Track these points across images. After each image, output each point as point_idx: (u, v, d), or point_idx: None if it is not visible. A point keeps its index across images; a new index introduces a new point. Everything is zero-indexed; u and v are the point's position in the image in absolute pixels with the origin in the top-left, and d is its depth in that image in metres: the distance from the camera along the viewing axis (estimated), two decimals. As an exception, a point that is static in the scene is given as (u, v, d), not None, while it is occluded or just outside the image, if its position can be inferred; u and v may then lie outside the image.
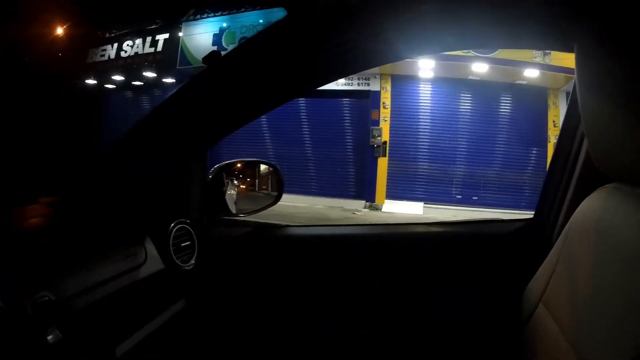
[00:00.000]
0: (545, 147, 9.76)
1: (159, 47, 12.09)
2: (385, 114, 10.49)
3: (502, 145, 10.10)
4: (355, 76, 10.54)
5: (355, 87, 10.68)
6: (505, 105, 10.17)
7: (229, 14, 10.97)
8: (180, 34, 11.60)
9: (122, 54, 12.66)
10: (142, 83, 12.70)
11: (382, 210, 10.15)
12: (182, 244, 1.19)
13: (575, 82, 0.77)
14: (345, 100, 10.96)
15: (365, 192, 10.55)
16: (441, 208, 9.87)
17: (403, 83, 10.44)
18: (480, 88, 10.01)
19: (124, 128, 1.21)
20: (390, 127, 10.48)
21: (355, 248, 1.38)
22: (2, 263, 0.77)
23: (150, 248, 1.11)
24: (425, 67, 9.82)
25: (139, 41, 12.40)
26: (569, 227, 0.88)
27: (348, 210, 10.06)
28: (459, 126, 10.28)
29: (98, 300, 0.87)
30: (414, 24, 0.97)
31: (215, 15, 11.18)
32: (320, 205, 10.39)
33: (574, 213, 0.88)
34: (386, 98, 10.52)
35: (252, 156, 1.56)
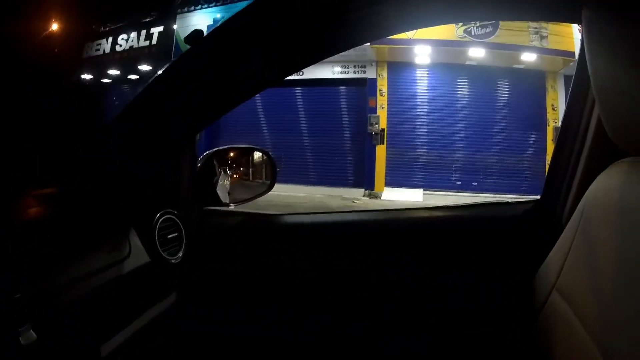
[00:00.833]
0: (545, 130, 9.73)
1: (154, 40, 12.03)
2: (382, 102, 10.43)
3: (501, 130, 10.05)
4: (351, 64, 10.51)
5: (351, 75, 10.63)
6: (504, 90, 10.11)
7: (223, 4, 10.89)
8: (175, 26, 11.53)
9: (118, 47, 12.61)
10: (138, 76, 12.62)
11: (382, 198, 10.13)
12: (169, 236, 1.12)
13: (584, 52, 0.73)
14: (342, 88, 10.91)
15: (365, 180, 10.53)
16: (441, 194, 9.84)
17: (399, 70, 10.38)
18: (477, 73, 9.94)
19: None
20: (387, 114, 10.44)
21: (352, 236, 1.32)
22: None
23: (135, 240, 1.04)
24: (422, 53, 9.75)
25: (134, 34, 12.35)
26: (583, 207, 0.82)
27: (347, 199, 10.04)
28: (457, 112, 10.22)
29: (80, 296, 0.82)
30: None
31: (209, 6, 11.10)
32: (319, 195, 10.36)
33: (587, 191, 0.82)
34: (383, 85, 10.46)
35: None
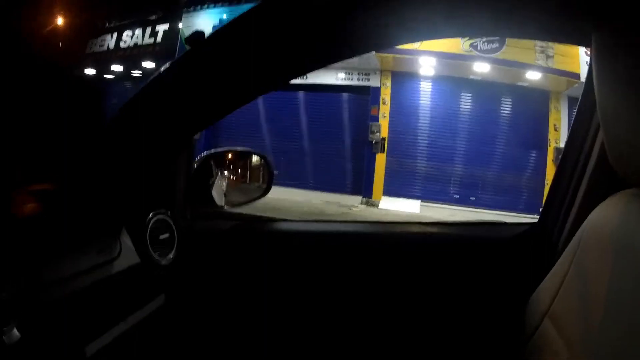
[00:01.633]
0: (545, 150, 9.72)
1: (159, 38, 12.05)
2: (384, 110, 10.42)
3: (501, 147, 10.04)
4: (355, 71, 10.52)
5: (355, 83, 10.62)
6: (506, 107, 10.11)
7: (229, 4, 10.92)
8: (180, 25, 11.54)
9: (122, 44, 12.63)
10: (141, 73, 12.60)
11: (379, 207, 10.09)
12: (161, 237, 1.11)
13: (591, 76, 0.70)
14: (345, 95, 10.89)
15: (363, 188, 10.50)
16: (438, 207, 9.84)
17: (403, 80, 10.37)
18: (481, 88, 9.95)
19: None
20: (389, 123, 10.42)
21: (344, 247, 1.30)
22: None
23: (126, 240, 1.03)
24: (427, 64, 9.75)
25: (138, 32, 12.37)
26: (581, 235, 0.81)
27: (345, 206, 9.99)
28: (459, 125, 10.21)
29: (66, 295, 0.82)
30: (421, 6, 0.86)
31: (215, 6, 11.13)
32: (317, 200, 10.31)
33: (587, 219, 0.81)
34: (386, 94, 10.44)
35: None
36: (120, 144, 1.08)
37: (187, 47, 0.96)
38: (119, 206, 1.08)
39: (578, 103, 1.07)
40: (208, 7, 11.25)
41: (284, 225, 1.42)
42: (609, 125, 0.68)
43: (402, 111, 10.43)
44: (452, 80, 10.06)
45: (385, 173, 10.39)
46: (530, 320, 0.91)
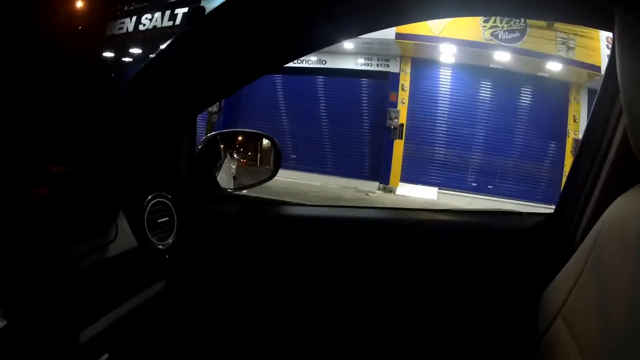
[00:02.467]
0: (564, 141, 9.67)
1: (177, 21, 12.06)
2: (403, 97, 10.37)
3: (520, 136, 9.98)
4: (374, 56, 10.49)
5: (374, 68, 10.60)
6: (526, 97, 10.05)
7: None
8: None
9: (141, 27, 12.65)
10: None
11: (396, 193, 10.06)
12: (159, 220, 1.05)
13: (613, 61, 0.69)
14: (364, 80, 10.87)
15: (380, 173, 10.47)
16: (456, 194, 9.79)
17: (423, 66, 10.34)
18: (501, 77, 9.89)
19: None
20: (407, 109, 10.38)
21: (357, 233, 1.26)
22: None
23: (123, 224, 0.97)
24: (447, 51, 9.70)
25: (157, 15, 12.38)
26: (599, 229, 0.75)
27: (362, 191, 9.98)
28: (478, 114, 10.15)
29: (58, 280, 0.77)
30: None
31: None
32: (334, 185, 10.29)
33: (606, 213, 0.76)
34: (405, 80, 10.40)
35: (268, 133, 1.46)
36: (120, 124, 1.05)
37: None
38: (116, 187, 1.03)
39: (598, 90, 1.01)
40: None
41: (294, 210, 1.36)
42: (632, 111, 0.64)
43: (421, 98, 10.38)
44: (472, 68, 10.00)
45: (403, 159, 10.36)
46: (543, 319, 0.86)
